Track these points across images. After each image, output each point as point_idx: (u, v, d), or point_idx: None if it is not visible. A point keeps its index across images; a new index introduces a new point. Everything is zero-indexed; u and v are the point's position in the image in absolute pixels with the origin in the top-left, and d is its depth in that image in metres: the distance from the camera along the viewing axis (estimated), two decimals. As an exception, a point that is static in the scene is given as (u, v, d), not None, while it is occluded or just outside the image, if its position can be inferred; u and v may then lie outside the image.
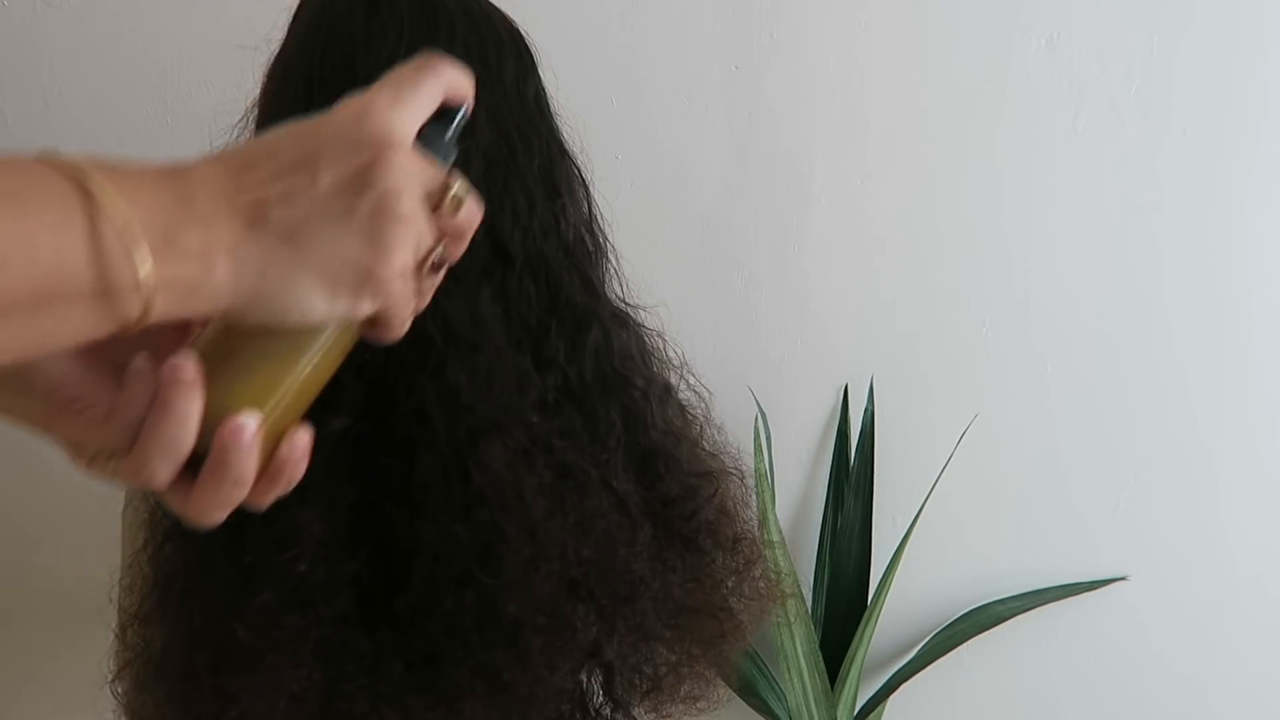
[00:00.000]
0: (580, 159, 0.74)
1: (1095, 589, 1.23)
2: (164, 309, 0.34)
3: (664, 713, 0.67)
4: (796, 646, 1.13)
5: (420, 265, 0.40)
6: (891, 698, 1.20)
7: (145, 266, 0.33)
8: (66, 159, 0.35)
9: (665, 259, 1.18)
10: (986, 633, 1.21)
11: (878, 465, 1.20)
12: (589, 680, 0.64)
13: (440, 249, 0.40)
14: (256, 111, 0.69)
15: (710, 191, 1.16)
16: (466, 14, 0.67)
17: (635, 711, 0.66)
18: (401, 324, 0.40)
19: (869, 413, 1.20)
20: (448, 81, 0.42)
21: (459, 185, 0.41)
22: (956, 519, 1.22)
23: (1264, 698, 1.26)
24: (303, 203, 0.37)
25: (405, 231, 0.38)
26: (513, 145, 0.65)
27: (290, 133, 0.39)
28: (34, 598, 1.16)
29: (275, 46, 0.69)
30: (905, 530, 1.15)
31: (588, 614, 0.60)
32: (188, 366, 0.36)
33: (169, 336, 0.40)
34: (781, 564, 1.12)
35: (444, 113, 0.43)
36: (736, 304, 1.19)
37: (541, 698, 0.60)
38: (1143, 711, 1.27)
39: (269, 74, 0.68)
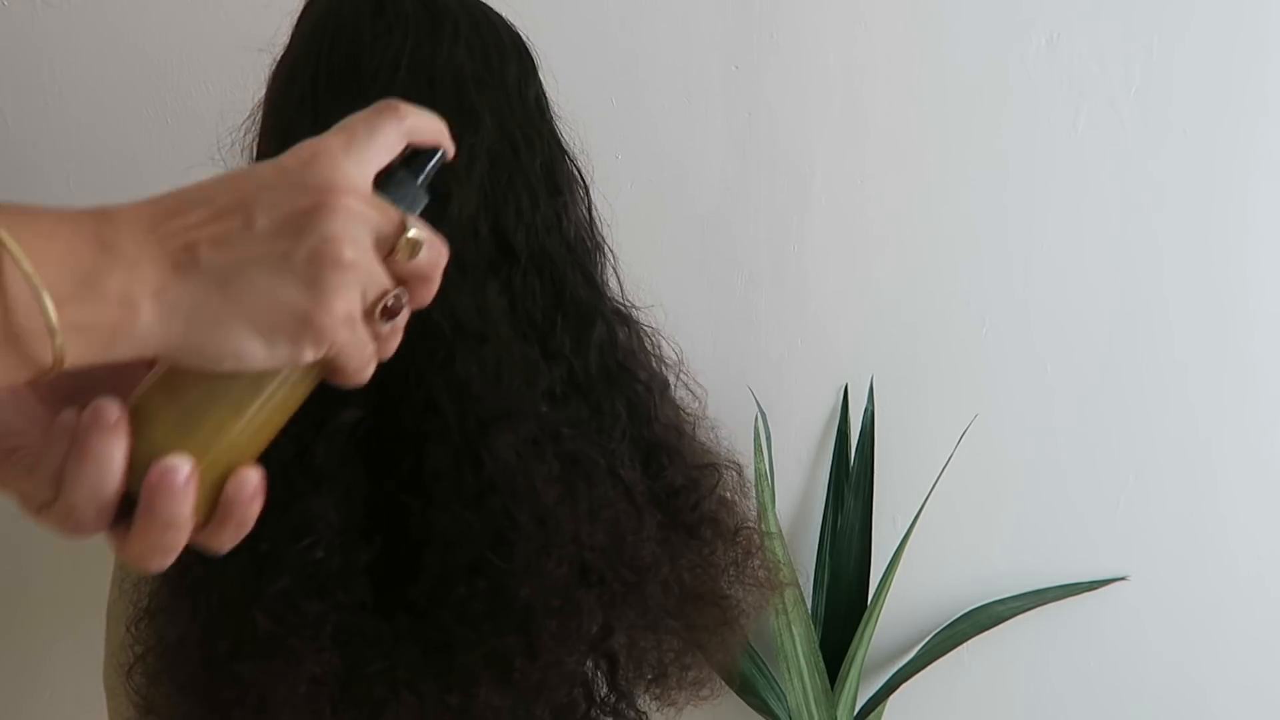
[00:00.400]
0: (579, 160, 0.74)
1: (1095, 589, 1.23)
2: (82, 353, 0.33)
3: (668, 700, 0.68)
4: (796, 646, 1.13)
5: (370, 311, 0.38)
6: (891, 698, 1.20)
7: (52, 312, 0.32)
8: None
9: (665, 259, 1.18)
10: (986, 633, 1.21)
11: (878, 465, 1.20)
12: (596, 669, 0.65)
13: (394, 295, 0.38)
14: (261, 113, 0.69)
15: (710, 191, 1.16)
16: (469, 16, 0.68)
17: (640, 700, 0.67)
18: (358, 370, 0.39)
19: (869, 413, 1.20)
20: (410, 125, 0.41)
21: (415, 230, 0.38)
22: (956, 519, 1.22)
23: (1264, 697, 1.26)
24: (236, 246, 0.35)
25: (348, 277, 0.36)
26: (515, 145, 0.65)
27: (228, 177, 0.37)
28: (34, 597, 1.16)
29: (280, 48, 0.70)
30: (905, 530, 1.15)
31: (597, 600, 0.61)
32: (109, 409, 0.35)
33: (130, 381, 0.39)
34: (781, 560, 1.12)
35: (417, 156, 0.42)
36: (736, 304, 1.19)
37: (552, 684, 0.61)
38: (1143, 711, 1.27)
39: (274, 75, 0.69)
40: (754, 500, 0.78)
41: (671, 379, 0.72)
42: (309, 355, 0.37)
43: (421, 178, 0.42)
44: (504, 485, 0.59)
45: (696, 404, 0.74)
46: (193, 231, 0.35)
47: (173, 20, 1.12)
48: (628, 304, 0.72)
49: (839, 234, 1.17)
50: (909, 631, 1.26)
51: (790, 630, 1.12)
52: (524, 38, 0.73)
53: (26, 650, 1.17)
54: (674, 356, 0.73)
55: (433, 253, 0.40)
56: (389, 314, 0.38)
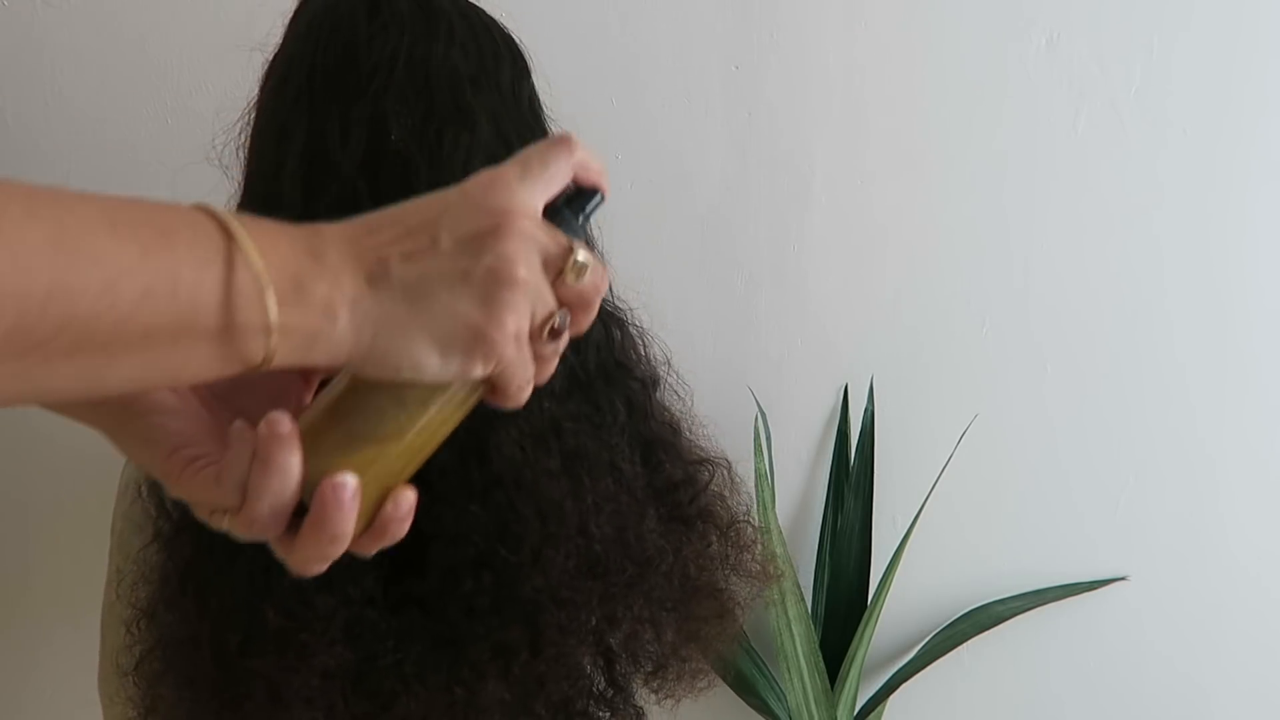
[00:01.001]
0: None
1: (1095, 589, 1.23)
2: (286, 354, 0.36)
3: (666, 692, 0.68)
4: (796, 646, 1.13)
5: (538, 331, 0.40)
6: (891, 698, 1.20)
7: (274, 311, 0.35)
8: (214, 208, 0.36)
9: (665, 259, 1.18)
10: (986, 633, 1.21)
11: (878, 465, 1.20)
12: (595, 663, 0.65)
13: (560, 315, 0.40)
14: (255, 111, 0.69)
15: (710, 191, 1.16)
16: (464, 18, 0.68)
17: (638, 695, 0.68)
18: (519, 390, 0.41)
19: (869, 413, 1.20)
20: (579, 160, 0.44)
21: (582, 253, 0.41)
22: (956, 519, 1.22)
23: (1264, 697, 1.26)
24: (423, 262, 0.38)
25: (519, 296, 0.38)
26: (511, 145, 0.66)
27: (419, 201, 0.40)
28: (33, 595, 1.16)
29: (273, 47, 0.70)
30: (905, 530, 1.15)
31: (602, 592, 0.62)
32: (283, 420, 0.37)
33: (292, 394, 0.43)
34: (780, 558, 1.12)
35: (579, 195, 0.44)
36: (736, 304, 1.19)
37: (554, 676, 0.61)
38: (1143, 711, 1.27)
39: (268, 73, 0.69)
40: (746, 496, 0.78)
41: (661, 378, 0.73)
42: (479, 370, 0.39)
43: (583, 217, 0.45)
44: (509, 479, 0.59)
45: (683, 403, 0.75)
46: (386, 248, 0.38)
47: (173, 20, 1.12)
48: (620, 304, 0.72)
49: (839, 234, 1.17)
50: (909, 631, 1.26)
51: (790, 630, 1.12)
52: (516, 40, 0.73)
53: (27, 648, 1.17)
54: (663, 356, 0.73)
55: (595, 277, 0.42)
56: (554, 334, 0.41)
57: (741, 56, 1.13)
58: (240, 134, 0.71)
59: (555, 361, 0.42)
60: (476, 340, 0.38)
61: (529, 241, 0.39)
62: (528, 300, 0.39)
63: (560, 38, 1.13)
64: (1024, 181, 1.15)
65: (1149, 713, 1.27)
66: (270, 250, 0.36)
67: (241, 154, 0.70)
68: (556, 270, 0.41)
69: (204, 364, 0.35)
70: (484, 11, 0.72)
